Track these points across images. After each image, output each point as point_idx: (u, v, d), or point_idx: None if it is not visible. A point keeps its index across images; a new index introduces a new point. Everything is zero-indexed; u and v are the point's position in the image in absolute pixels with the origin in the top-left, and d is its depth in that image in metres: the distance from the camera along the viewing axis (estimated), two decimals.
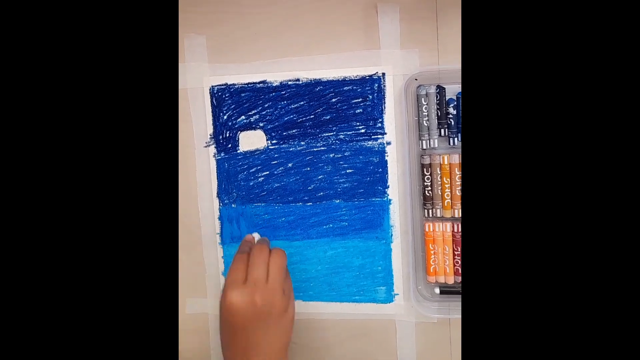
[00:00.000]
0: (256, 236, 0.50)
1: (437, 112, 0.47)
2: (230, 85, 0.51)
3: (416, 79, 0.47)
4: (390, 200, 0.50)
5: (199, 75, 0.51)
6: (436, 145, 0.48)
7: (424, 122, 0.47)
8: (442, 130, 0.47)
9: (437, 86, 0.47)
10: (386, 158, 0.50)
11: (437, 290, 0.50)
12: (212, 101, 0.51)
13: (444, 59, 0.47)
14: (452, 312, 0.49)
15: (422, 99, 0.47)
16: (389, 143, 0.49)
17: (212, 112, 0.52)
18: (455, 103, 0.46)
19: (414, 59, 0.48)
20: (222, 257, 0.53)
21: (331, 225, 0.51)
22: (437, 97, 0.47)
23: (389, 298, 0.51)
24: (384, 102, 0.49)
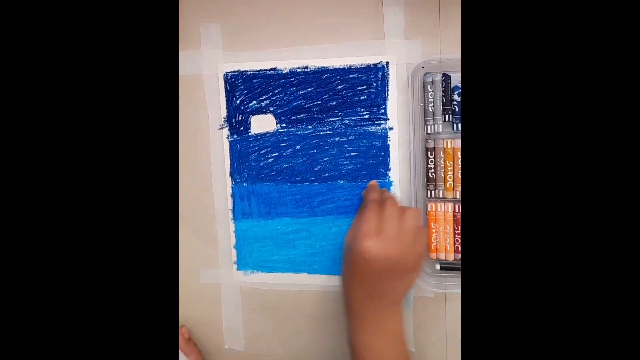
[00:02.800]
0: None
1: (443, 98, 0.49)
2: (243, 71, 0.54)
3: (423, 67, 0.49)
4: (391, 182, 0.53)
5: (213, 62, 0.54)
6: (440, 130, 0.50)
7: (430, 108, 0.50)
8: (447, 116, 0.50)
9: (443, 74, 0.49)
10: (388, 142, 0.52)
11: (438, 267, 0.53)
12: (225, 87, 0.55)
13: (445, 50, 0.50)
14: (449, 287, 0.52)
15: (429, 86, 0.49)
16: (391, 128, 0.52)
17: (226, 96, 0.55)
18: (460, 90, 0.49)
19: (416, 49, 0.50)
20: (234, 231, 0.57)
21: (335, 204, 0.55)
22: (442, 84, 0.49)
23: None
24: (387, 90, 0.52)
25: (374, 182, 0.53)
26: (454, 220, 0.51)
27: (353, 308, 0.47)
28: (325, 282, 0.56)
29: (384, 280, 0.44)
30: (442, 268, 0.53)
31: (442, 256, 0.52)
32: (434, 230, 0.52)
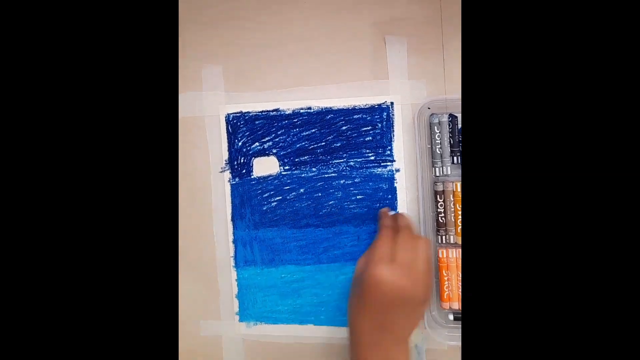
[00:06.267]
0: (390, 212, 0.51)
1: (450, 140, 0.48)
2: (245, 113, 0.53)
3: (429, 108, 0.48)
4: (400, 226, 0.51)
5: (215, 104, 0.54)
6: (449, 173, 0.48)
7: (437, 149, 0.48)
8: (455, 158, 0.48)
9: (449, 115, 0.48)
10: (395, 185, 0.50)
11: (451, 317, 0.50)
12: (227, 128, 0.53)
13: (450, 89, 0.48)
14: None
15: (435, 127, 0.48)
16: (397, 170, 0.50)
17: (228, 138, 0.54)
18: None
19: (421, 89, 0.49)
20: (236, 279, 0.55)
21: (342, 251, 0.52)
22: (449, 125, 0.48)
23: None
24: (393, 130, 0.50)
25: (385, 209, 0.51)
26: None
27: (360, 342, 0.44)
28: (332, 334, 0.53)
29: (395, 311, 0.42)
30: (455, 319, 0.49)
31: (455, 306, 0.49)
32: (445, 278, 0.49)
